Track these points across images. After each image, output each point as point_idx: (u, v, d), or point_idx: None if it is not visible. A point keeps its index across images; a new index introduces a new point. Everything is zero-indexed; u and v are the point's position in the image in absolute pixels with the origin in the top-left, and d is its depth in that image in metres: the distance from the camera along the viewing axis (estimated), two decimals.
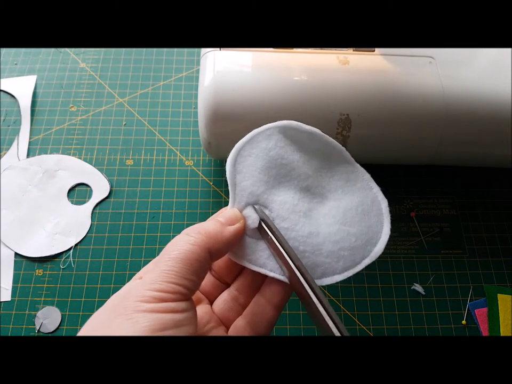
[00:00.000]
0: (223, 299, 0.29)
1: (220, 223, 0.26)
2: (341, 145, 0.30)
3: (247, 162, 0.28)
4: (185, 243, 0.24)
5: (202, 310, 0.28)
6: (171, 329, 0.21)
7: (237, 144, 0.29)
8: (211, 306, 0.29)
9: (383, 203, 0.29)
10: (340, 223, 0.28)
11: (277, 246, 0.26)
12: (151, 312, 0.21)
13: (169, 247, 0.24)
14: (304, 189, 0.29)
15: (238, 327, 0.27)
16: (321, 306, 0.23)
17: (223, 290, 0.29)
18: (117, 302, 0.22)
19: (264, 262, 0.27)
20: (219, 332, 0.27)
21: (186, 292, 0.23)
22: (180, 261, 0.23)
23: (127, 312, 0.21)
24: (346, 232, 0.28)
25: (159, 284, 0.22)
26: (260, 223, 0.27)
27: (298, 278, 0.25)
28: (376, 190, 0.30)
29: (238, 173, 0.28)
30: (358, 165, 0.30)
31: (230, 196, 0.28)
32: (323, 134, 0.30)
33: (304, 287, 0.24)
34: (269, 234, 0.26)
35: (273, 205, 0.28)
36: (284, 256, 0.26)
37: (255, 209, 0.28)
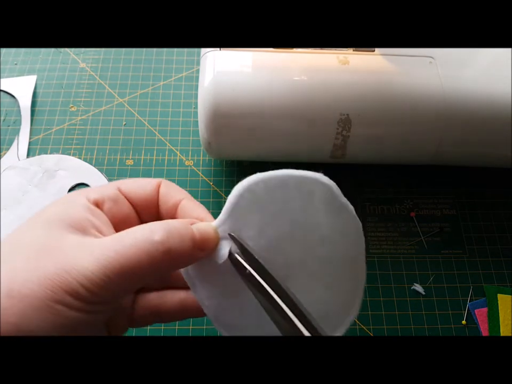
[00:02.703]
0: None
1: (193, 245, 0.23)
2: (363, 244, 0.25)
3: (266, 207, 0.24)
4: (143, 252, 0.21)
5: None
6: (81, 331, 0.21)
7: (271, 173, 0.24)
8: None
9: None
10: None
11: (258, 281, 0.23)
12: (75, 310, 0.20)
13: (128, 236, 0.21)
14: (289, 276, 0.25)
15: None
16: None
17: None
18: (49, 256, 0.21)
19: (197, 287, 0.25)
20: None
21: (113, 301, 0.22)
22: (122, 272, 0.21)
23: (52, 299, 0.20)
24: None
25: (92, 282, 0.20)
26: (235, 257, 0.24)
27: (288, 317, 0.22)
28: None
29: (249, 203, 0.24)
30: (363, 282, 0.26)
31: (223, 211, 0.24)
32: (356, 215, 0.25)
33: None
34: (246, 268, 0.23)
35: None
36: (269, 294, 0.22)
37: (232, 239, 0.24)
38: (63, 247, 0.21)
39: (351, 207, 0.25)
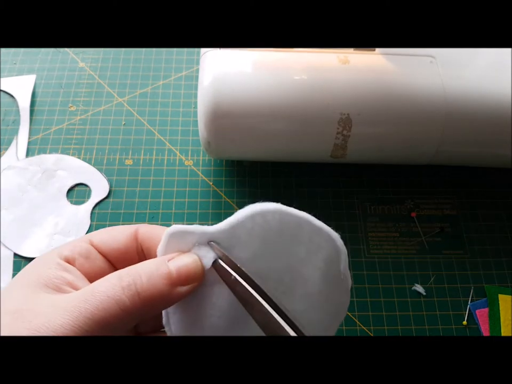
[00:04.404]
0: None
1: (170, 283, 0.22)
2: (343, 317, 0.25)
3: (271, 239, 0.23)
4: (111, 299, 0.20)
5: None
6: None
7: (290, 209, 0.23)
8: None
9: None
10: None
11: (244, 286, 0.22)
12: None
13: (97, 286, 0.21)
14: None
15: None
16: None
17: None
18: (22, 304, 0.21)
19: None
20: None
21: None
22: (94, 322, 0.20)
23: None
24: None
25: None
26: (217, 262, 0.23)
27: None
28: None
29: (256, 228, 0.23)
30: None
31: (226, 222, 0.23)
32: (349, 291, 0.24)
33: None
34: (231, 274, 0.22)
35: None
36: (255, 297, 0.22)
37: (210, 247, 0.23)
38: (35, 308, 0.21)
39: (349, 280, 0.24)
